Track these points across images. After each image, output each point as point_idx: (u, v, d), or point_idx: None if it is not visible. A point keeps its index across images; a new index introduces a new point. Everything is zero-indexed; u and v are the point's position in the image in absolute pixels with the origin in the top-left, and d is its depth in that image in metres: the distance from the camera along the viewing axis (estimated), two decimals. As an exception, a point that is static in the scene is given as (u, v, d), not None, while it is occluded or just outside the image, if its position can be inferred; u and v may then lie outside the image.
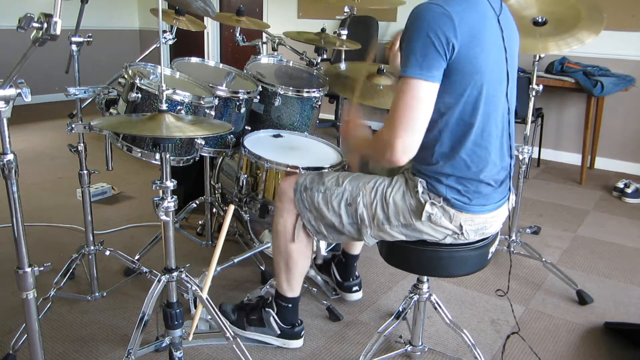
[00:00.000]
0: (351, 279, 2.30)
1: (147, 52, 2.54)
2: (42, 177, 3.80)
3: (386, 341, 2.02)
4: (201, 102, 1.92)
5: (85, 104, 2.05)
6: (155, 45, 2.47)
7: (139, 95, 1.85)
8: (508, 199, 1.61)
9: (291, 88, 2.36)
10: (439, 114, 1.44)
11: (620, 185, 3.87)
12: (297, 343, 1.98)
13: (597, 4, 2.35)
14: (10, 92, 1.19)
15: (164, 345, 1.70)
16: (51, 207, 3.25)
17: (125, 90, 1.89)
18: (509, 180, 1.60)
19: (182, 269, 1.66)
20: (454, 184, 1.49)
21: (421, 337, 1.90)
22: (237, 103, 2.18)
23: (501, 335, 2.13)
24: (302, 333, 1.99)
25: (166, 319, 1.63)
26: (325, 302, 2.22)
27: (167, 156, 1.52)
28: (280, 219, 1.78)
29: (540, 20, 2.34)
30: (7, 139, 1.24)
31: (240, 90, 2.18)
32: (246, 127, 2.34)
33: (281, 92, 2.34)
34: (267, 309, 1.96)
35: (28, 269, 1.33)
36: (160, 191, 1.53)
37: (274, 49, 2.88)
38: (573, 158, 4.69)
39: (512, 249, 2.64)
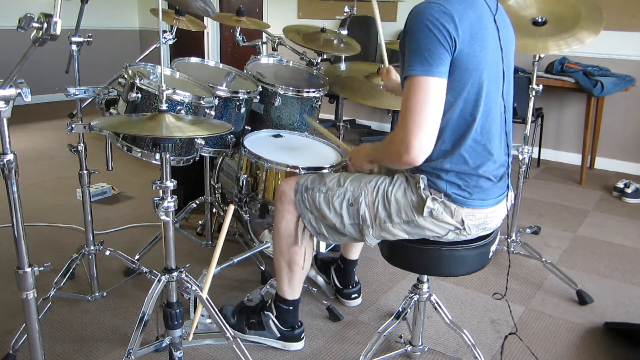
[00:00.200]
0: (350, 286, 2.30)
1: (147, 52, 2.54)
2: (42, 177, 3.80)
3: (386, 341, 2.02)
4: (201, 102, 1.92)
5: (85, 104, 2.05)
6: (155, 45, 2.47)
7: (139, 95, 1.85)
8: (507, 195, 1.62)
9: (291, 88, 2.36)
10: (442, 112, 1.44)
11: (620, 185, 3.87)
12: (297, 345, 1.98)
13: (597, 4, 2.35)
14: (10, 92, 1.19)
15: (164, 345, 1.70)
16: (51, 207, 3.25)
17: (125, 90, 1.89)
18: (507, 176, 1.61)
19: (182, 269, 1.66)
20: (454, 179, 1.49)
21: (421, 337, 1.90)
22: (237, 103, 2.18)
23: (501, 335, 2.13)
24: (303, 335, 1.99)
25: (166, 319, 1.63)
26: (325, 302, 2.22)
27: (167, 156, 1.52)
28: (281, 221, 1.78)
29: (540, 20, 2.34)
30: (7, 139, 1.24)
31: (240, 90, 2.18)
32: (246, 127, 2.34)
33: (281, 92, 2.34)
34: (266, 312, 1.95)
35: (28, 269, 1.33)
36: (160, 191, 1.53)
37: (274, 49, 2.88)
38: (573, 158, 4.69)
39: (512, 249, 2.64)
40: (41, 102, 6.21)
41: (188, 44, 6.80)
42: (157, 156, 1.82)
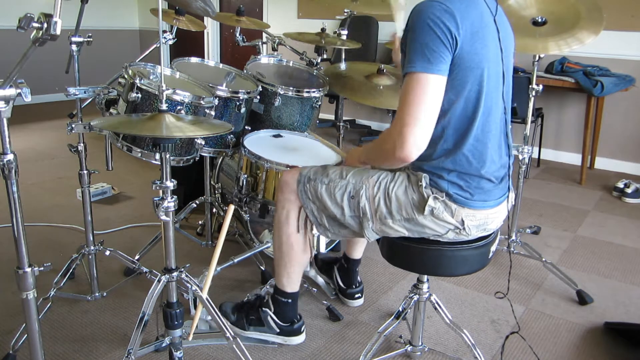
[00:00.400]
0: (354, 286, 2.30)
1: (147, 52, 2.54)
2: (42, 177, 3.80)
3: (386, 341, 2.02)
4: (201, 102, 1.92)
5: (85, 104, 2.05)
6: (155, 45, 2.47)
7: (139, 95, 1.85)
8: (508, 196, 1.62)
9: (291, 88, 2.36)
10: (443, 111, 1.45)
11: (620, 185, 3.87)
12: (298, 339, 1.98)
13: (597, 4, 2.35)
14: (10, 92, 1.18)
15: (164, 345, 1.70)
16: (51, 207, 3.25)
17: (125, 90, 1.89)
18: (508, 178, 1.61)
19: (182, 269, 1.66)
20: (456, 180, 1.50)
21: (421, 337, 1.90)
22: (237, 103, 2.18)
23: (501, 335, 2.13)
24: (303, 328, 1.99)
25: (166, 319, 1.63)
26: (325, 302, 2.22)
27: (167, 156, 1.52)
28: (282, 211, 1.79)
29: (540, 20, 2.34)
30: (7, 139, 1.24)
31: (240, 90, 2.18)
32: (246, 127, 2.34)
33: (281, 92, 2.34)
34: (264, 309, 1.96)
35: (28, 269, 1.33)
36: (160, 191, 1.53)
37: (274, 49, 2.88)
38: (573, 158, 4.69)
39: (512, 249, 2.64)
40: (41, 102, 6.21)
41: (188, 44, 6.80)
42: (157, 156, 1.82)
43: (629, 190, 3.80)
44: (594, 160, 4.58)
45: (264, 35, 2.98)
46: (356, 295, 2.30)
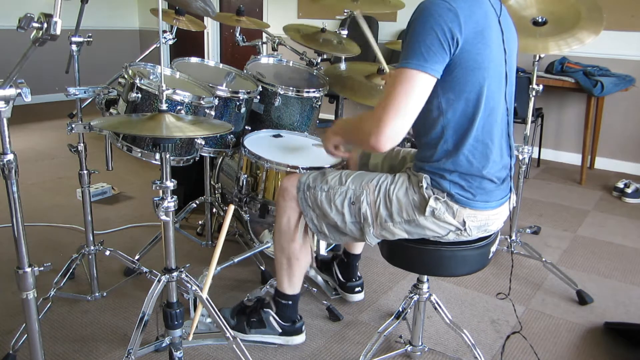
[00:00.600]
0: (354, 279, 2.30)
1: (147, 52, 2.54)
2: (42, 177, 3.80)
3: (386, 341, 2.02)
4: (201, 102, 1.92)
5: (85, 104, 2.05)
6: (155, 45, 2.47)
7: (139, 95, 1.85)
8: (509, 197, 1.62)
9: (291, 88, 2.36)
10: (442, 111, 1.44)
11: (620, 185, 3.87)
12: (299, 339, 1.98)
13: (597, 4, 2.35)
14: (10, 92, 1.18)
15: (164, 345, 1.70)
16: (51, 207, 3.25)
17: (125, 90, 1.89)
18: (509, 179, 1.61)
19: (182, 269, 1.66)
20: (458, 180, 1.49)
21: (421, 337, 1.90)
22: (237, 103, 2.18)
23: (501, 335, 2.13)
24: (303, 328, 1.99)
25: (166, 319, 1.63)
26: (325, 302, 2.22)
27: (167, 156, 1.52)
28: (283, 218, 1.78)
29: (540, 20, 2.34)
30: (7, 139, 1.24)
31: (240, 90, 2.18)
32: (246, 127, 2.34)
33: (281, 92, 2.34)
34: (265, 309, 1.96)
35: (28, 269, 1.33)
36: (160, 191, 1.53)
37: (274, 49, 2.88)
38: (573, 158, 4.69)
39: (512, 249, 2.64)
40: (41, 102, 6.21)
41: (188, 44, 6.80)
42: (157, 156, 1.82)
43: (629, 190, 3.80)
44: (594, 160, 4.58)
45: (264, 35, 2.98)
46: (356, 289, 2.30)
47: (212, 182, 2.64)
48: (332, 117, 4.99)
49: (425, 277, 1.80)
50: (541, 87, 2.49)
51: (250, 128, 2.35)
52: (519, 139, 2.58)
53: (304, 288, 2.24)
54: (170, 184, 1.52)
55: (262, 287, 2.23)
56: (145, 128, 1.46)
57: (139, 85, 1.84)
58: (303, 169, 1.94)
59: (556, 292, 2.48)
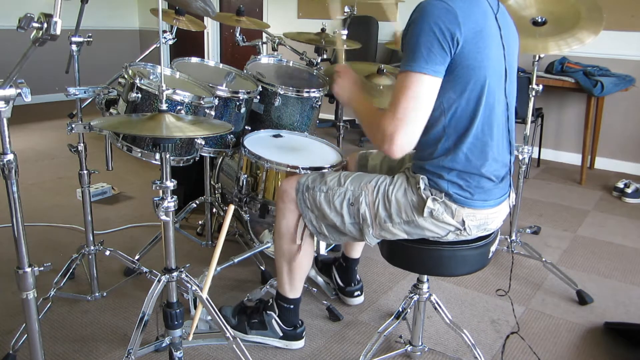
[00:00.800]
0: (353, 284, 2.29)
1: (147, 52, 2.54)
2: (42, 177, 3.80)
3: (386, 341, 2.02)
4: (201, 102, 1.92)
5: (85, 104, 2.05)
6: (155, 45, 2.47)
7: (139, 95, 1.85)
8: (509, 196, 1.62)
9: (291, 88, 2.36)
10: (443, 110, 1.45)
11: (620, 185, 3.87)
12: (299, 344, 1.98)
13: (597, 4, 2.35)
14: (10, 92, 1.19)
15: (164, 345, 1.70)
16: (51, 207, 3.25)
17: (125, 90, 1.89)
18: (509, 177, 1.61)
19: (182, 269, 1.66)
20: (456, 179, 1.49)
21: (421, 337, 1.90)
22: (237, 103, 2.18)
23: (501, 335, 2.13)
24: (304, 334, 1.99)
25: (166, 319, 1.63)
26: (325, 302, 2.22)
27: (167, 156, 1.52)
28: (282, 220, 1.78)
29: (540, 20, 2.34)
30: (7, 139, 1.24)
31: (240, 90, 2.18)
32: (246, 127, 2.34)
33: (281, 92, 2.34)
34: (268, 312, 1.95)
35: (28, 269, 1.33)
36: (160, 191, 1.53)
37: (274, 49, 2.88)
38: (573, 158, 4.69)
39: (512, 249, 2.64)
40: (41, 102, 6.21)
41: (188, 44, 6.80)
42: (157, 156, 1.82)
43: (629, 190, 3.80)
44: (594, 160, 4.58)
45: (264, 35, 2.98)
46: (355, 293, 2.30)
47: (212, 182, 2.64)
48: (332, 117, 5.00)
49: (425, 277, 1.80)
50: (541, 87, 2.49)
51: (250, 128, 2.35)
52: (519, 139, 2.58)
53: (304, 288, 2.24)
54: (170, 184, 1.52)
55: (262, 287, 2.23)
56: (145, 128, 1.46)
57: (139, 85, 1.84)
58: (303, 169, 1.94)
59: (556, 292, 2.48)
